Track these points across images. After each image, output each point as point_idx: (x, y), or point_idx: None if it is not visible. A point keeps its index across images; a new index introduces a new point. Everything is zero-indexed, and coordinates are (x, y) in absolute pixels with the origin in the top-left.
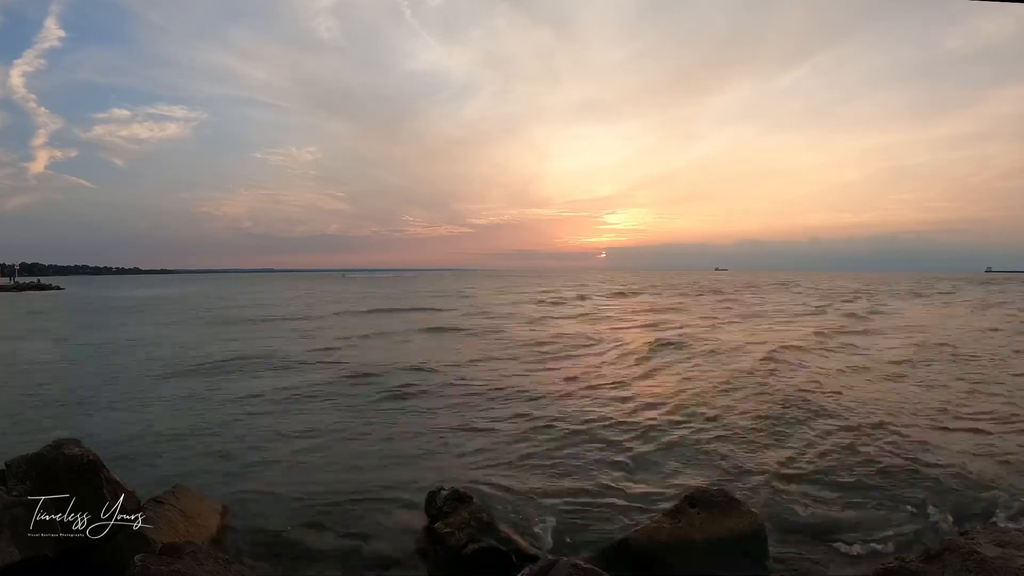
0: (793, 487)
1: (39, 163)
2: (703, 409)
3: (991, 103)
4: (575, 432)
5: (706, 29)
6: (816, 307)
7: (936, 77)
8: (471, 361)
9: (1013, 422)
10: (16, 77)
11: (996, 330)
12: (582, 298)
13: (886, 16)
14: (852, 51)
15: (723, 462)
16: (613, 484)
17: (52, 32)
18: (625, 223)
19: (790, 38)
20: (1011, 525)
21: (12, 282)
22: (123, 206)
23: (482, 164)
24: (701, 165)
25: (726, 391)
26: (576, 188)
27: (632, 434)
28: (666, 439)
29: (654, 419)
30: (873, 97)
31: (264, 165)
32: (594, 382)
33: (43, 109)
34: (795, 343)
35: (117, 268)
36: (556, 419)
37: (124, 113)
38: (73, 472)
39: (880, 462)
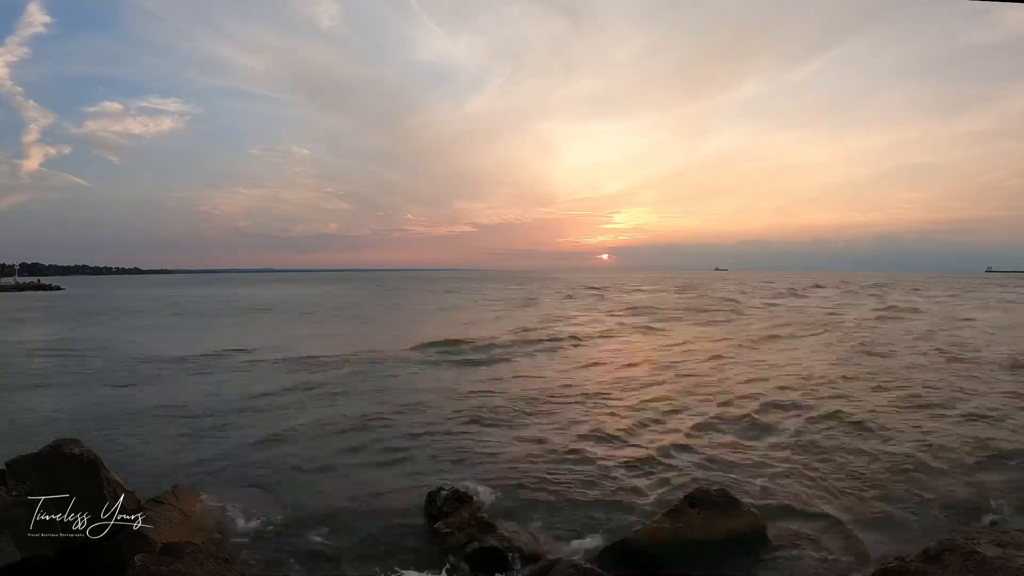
0: (793, 487)
1: (33, 160)
2: None
3: (1009, 98)
4: None
5: (721, 22)
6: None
7: (953, 72)
8: None
9: None
10: (0, 68)
11: None
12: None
13: (902, 10)
14: (866, 45)
15: None
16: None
17: (36, 18)
18: (629, 222)
19: (803, 33)
20: (1011, 525)
21: (14, 282)
22: (120, 205)
23: (487, 161)
24: (708, 163)
25: None
26: (582, 186)
27: None
28: None
29: None
30: (887, 93)
31: (262, 162)
32: None
33: (32, 103)
34: None
35: (117, 268)
36: None
37: (117, 107)
38: (73, 472)
39: (881, 461)
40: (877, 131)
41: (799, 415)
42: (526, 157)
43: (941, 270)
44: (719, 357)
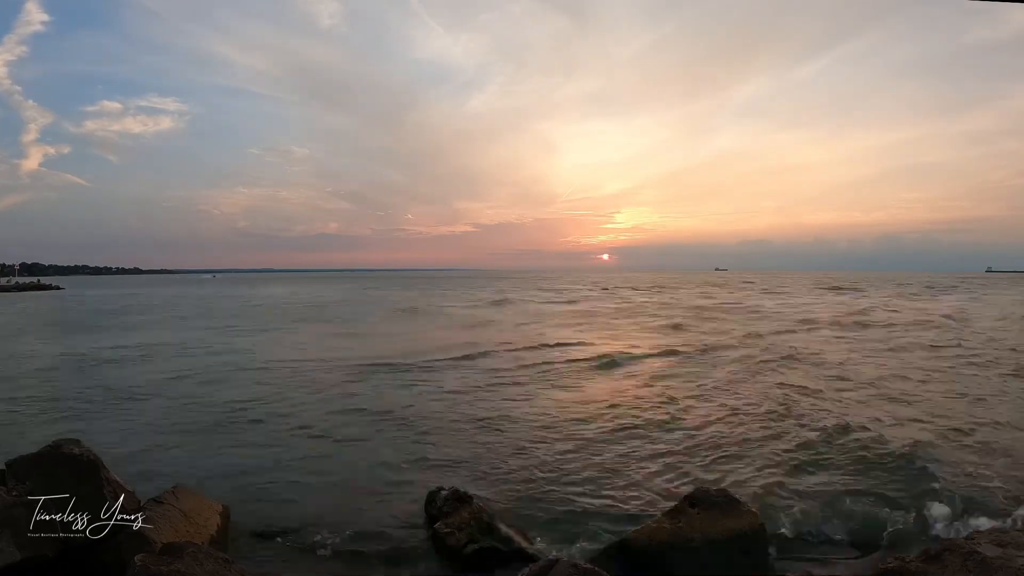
0: (793, 486)
1: (32, 160)
2: None
3: (1011, 98)
4: None
5: (723, 21)
6: None
7: (955, 71)
8: None
9: None
10: None
11: None
12: None
13: (904, 9)
14: (869, 44)
15: None
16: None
17: (34, 16)
18: (630, 222)
19: (806, 32)
20: (1011, 525)
21: (12, 282)
22: (119, 205)
23: (488, 160)
24: (710, 162)
25: None
26: (583, 186)
27: None
28: None
29: None
30: (889, 92)
31: (261, 161)
32: None
33: (30, 102)
34: None
35: (117, 268)
36: None
37: (115, 106)
38: (73, 472)
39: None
40: (879, 130)
41: (811, 417)
42: (527, 156)
43: (941, 270)
44: None
